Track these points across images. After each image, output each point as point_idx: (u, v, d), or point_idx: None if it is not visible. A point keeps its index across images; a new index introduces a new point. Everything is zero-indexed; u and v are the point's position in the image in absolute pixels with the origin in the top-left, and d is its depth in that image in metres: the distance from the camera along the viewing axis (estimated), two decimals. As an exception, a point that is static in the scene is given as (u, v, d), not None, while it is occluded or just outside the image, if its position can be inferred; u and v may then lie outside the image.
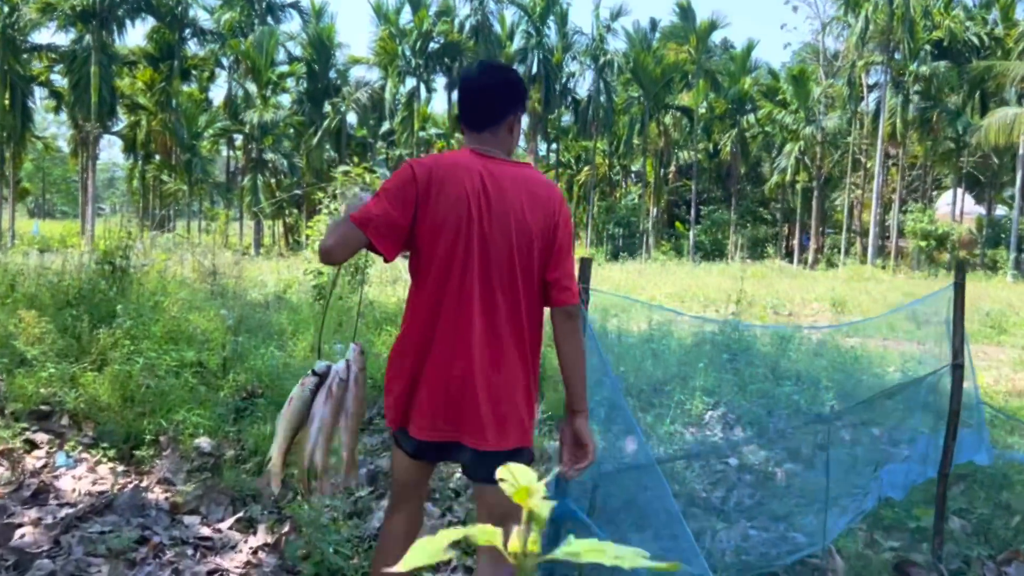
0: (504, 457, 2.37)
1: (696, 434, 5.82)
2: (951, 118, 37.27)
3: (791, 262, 42.50)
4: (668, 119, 49.18)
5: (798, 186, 46.15)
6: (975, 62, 37.12)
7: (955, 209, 41.26)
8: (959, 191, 43.09)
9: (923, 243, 34.17)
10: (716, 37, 49.07)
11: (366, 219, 2.34)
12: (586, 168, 50.29)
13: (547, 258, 2.45)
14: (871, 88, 44.39)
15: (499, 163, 2.48)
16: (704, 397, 6.29)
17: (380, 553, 2.73)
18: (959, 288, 3.40)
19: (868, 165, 45.42)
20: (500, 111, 2.53)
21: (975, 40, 37.73)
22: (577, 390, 2.48)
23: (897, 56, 39.14)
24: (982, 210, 48.12)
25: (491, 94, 2.54)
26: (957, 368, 3.42)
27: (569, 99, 47.28)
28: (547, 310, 2.51)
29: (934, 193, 47.62)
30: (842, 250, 42.43)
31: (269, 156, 44.38)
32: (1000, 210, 49.05)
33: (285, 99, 45.84)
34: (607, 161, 51.74)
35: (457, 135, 50.83)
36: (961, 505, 4.12)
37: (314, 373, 2.51)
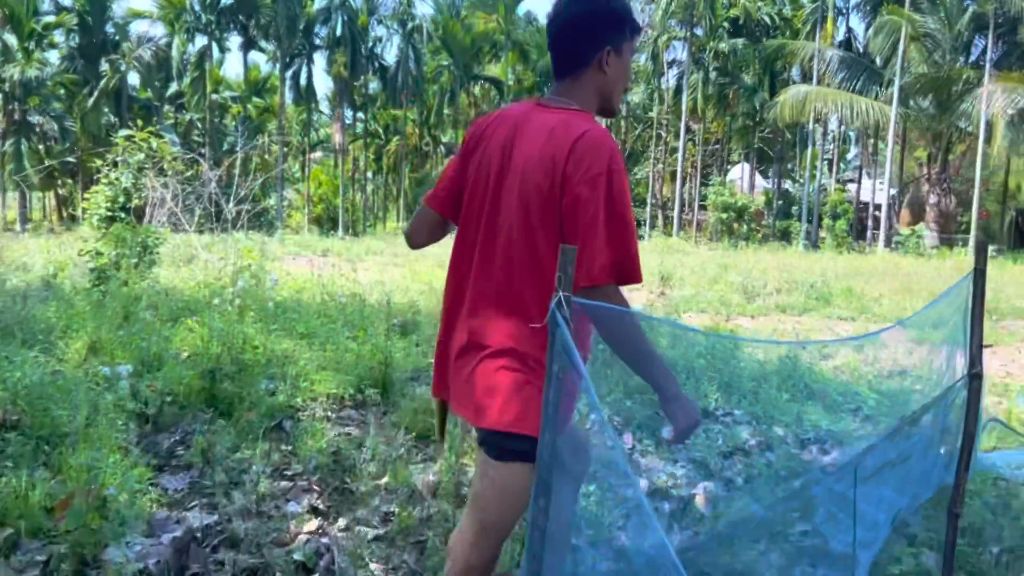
0: (497, 437, 2.02)
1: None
2: (747, 94, 39.12)
3: (600, 234, 43.25)
4: (478, 90, 48.55)
5: (604, 159, 46.97)
6: (766, 41, 39.09)
7: (749, 183, 43.58)
8: (748, 166, 45.59)
9: (723, 215, 35.67)
10: (521, 9, 48.89)
11: (431, 192, 2.32)
12: (396, 138, 48.73)
13: (558, 219, 1.99)
14: (670, 64, 45.89)
15: (544, 111, 2.12)
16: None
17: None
18: (980, 276, 2.62)
19: (667, 139, 47.05)
20: (583, 50, 2.11)
21: (767, 20, 39.71)
22: (643, 378, 2.05)
23: (699, 32, 40.52)
24: (766, 183, 51.29)
25: (570, 32, 2.11)
26: (975, 379, 2.66)
27: (376, 65, 45.43)
28: None
29: (728, 167, 50.19)
30: (647, 223, 43.71)
31: (36, 119, 39.46)
32: (785, 184, 52.56)
33: (53, 55, 40.87)
34: (417, 131, 50.38)
35: (255, 99, 47.68)
36: (928, 533, 3.46)
37: None
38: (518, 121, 2.11)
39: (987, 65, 30.84)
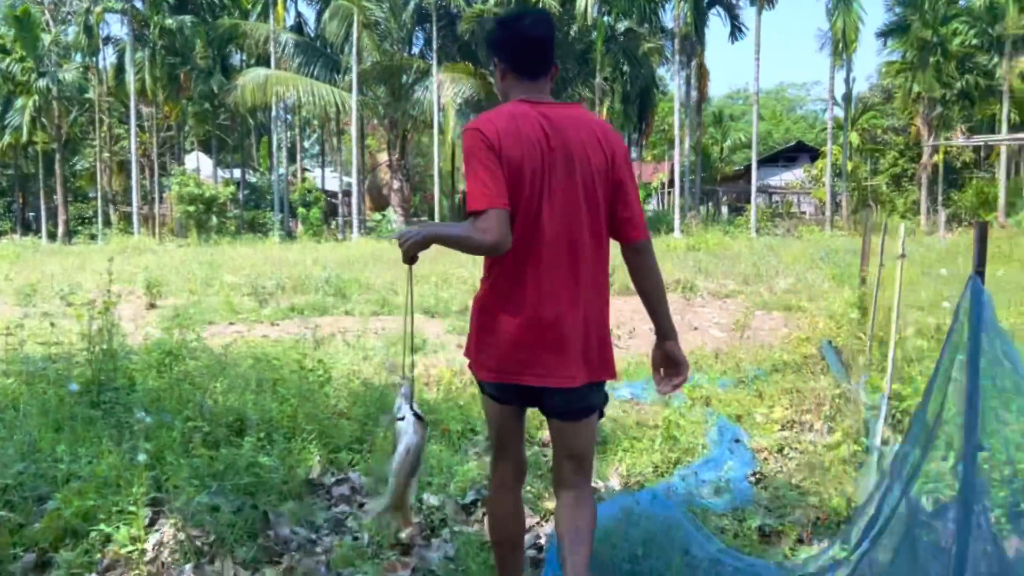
0: (586, 391, 2.60)
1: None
2: (202, 76, 36.55)
3: (39, 237, 37.01)
4: None
5: (36, 148, 40.33)
6: (215, 20, 36.95)
7: (212, 173, 41.22)
8: (207, 155, 43.20)
9: (190, 208, 32.83)
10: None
11: (498, 195, 2.39)
12: None
13: (611, 196, 2.58)
14: (106, 41, 41.07)
15: (552, 107, 2.57)
16: (128, 504, 3.40)
17: (495, 504, 2.81)
18: (976, 290, 1.55)
19: (112, 124, 42.18)
20: (551, 60, 2.65)
21: (214, -2, 37.59)
22: (664, 321, 2.67)
23: (139, 5, 36.64)
24: (225, 173, 49.48)
25: (546, 44, 2.63)
26: (975, 452, 1.63)
27: None
28: None
29: (185, 156, 46.94)
30: (99, 220, 38.60)
31: None
32: (247, 174, 51.10)
33: None
34: None
35: None
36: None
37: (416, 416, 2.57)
38: (539, 118, 2.51)
39: (434, 56, 33.16)
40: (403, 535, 3.30)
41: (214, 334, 9.82)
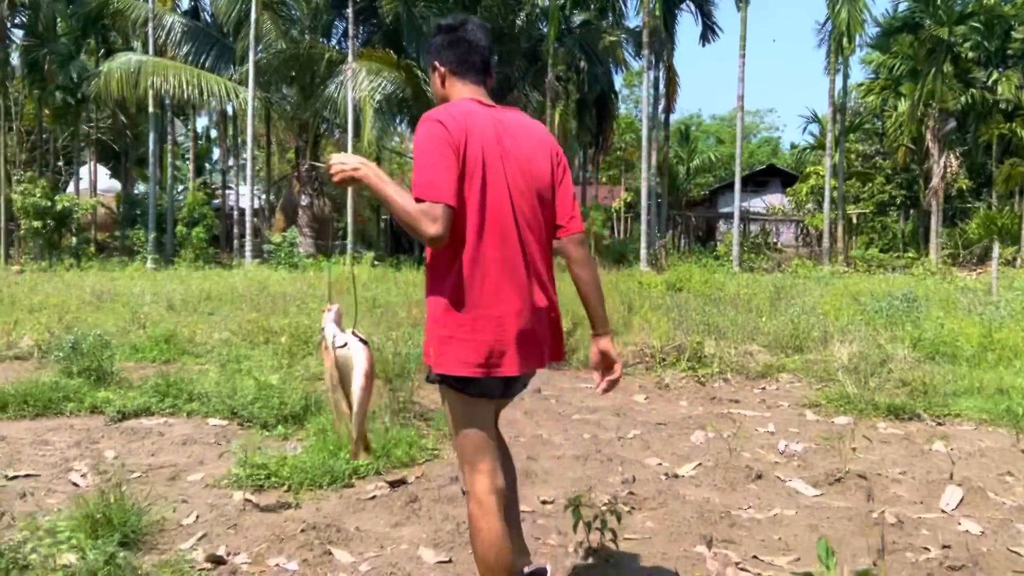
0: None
1: None
2: (62, 61, 30.54)
3: None
4: None
5: None
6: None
7: (92, 185, 35.34)
8: (91, 163, 37.29)
9: (38, 223, 26.99)
10: None
11: (448, 191, 2.42)
12: None
13: (554, 195, 2.74)
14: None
15: (501, 111, 2.70)
16: None
17: (487, 529, 2.62)
18: None
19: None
20: (491, 67, 2.81)
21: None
22: (599, 312, 2.79)
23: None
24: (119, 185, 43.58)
25: (486, 51, 2.77)
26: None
27: None
28: None
29: (61, 165, 40.76)
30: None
31: None
32: (140, 186, 45.13)
33: None
34: None
35: None
36: None
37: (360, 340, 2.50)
38: (493, 119, 2.63)
39: (349, 43, 27.95)
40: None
41: None
